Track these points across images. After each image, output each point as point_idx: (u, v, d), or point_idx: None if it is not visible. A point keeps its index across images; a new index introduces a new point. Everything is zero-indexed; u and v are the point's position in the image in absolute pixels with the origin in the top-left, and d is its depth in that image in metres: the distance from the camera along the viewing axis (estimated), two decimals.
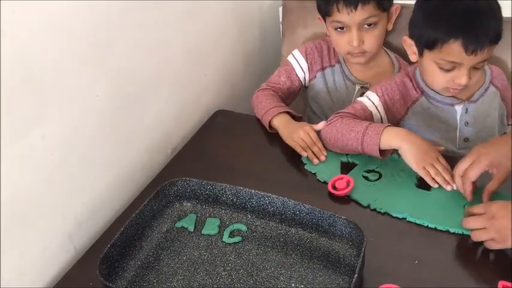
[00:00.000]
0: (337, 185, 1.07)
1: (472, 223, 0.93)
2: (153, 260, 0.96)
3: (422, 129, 1.19)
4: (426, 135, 1.19)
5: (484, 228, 0.91)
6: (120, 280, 0.91)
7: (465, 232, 0.96)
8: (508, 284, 0.85)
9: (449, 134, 1.20)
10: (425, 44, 1.07)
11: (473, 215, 0.94)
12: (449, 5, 1.05)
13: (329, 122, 1.16)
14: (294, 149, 1.19)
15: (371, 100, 1.19)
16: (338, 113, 1.17)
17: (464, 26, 1.02)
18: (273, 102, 1.28)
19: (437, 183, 1.03)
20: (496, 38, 1.03)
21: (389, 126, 1.08)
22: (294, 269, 0.92)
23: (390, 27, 1.29)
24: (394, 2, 1.31)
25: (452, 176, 1.02)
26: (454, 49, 1.02)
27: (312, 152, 1.16)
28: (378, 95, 1.19)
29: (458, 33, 1.01)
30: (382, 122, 1.20)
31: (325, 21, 1.28)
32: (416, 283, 0.88)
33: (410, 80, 1.20)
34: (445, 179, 1.03)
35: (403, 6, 1.32)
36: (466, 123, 1.19)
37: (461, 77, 1.06)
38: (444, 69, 1.07)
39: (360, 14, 1.19)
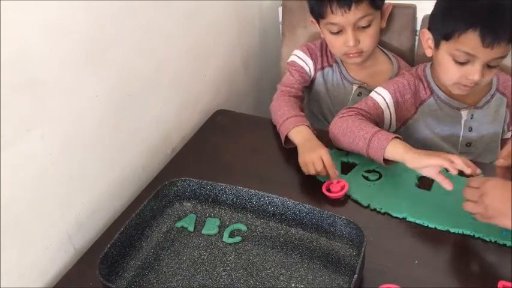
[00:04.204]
0: (331, 187, 1.07)
1: (467, 193, 0.93)
2: (153, 260, 0.96)
3: (428, 130, 1.20)
4: (430, 137, 1.19)
5: (476, 201, 0.91)
6: (120, 280, 0.91)
7: (465, 232, 0.96)
8: (508, 284, 0.85)
9: (452, 137, 1.20)
10: (444, 34, 1.07)
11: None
12: None
13: (341, 115, 1.14)
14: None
15: (382, 96, 1.18)
16: (350, 107, 1.16)
17: (485, 17, 1.01)
18: (293, 110, 1.24)
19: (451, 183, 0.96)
20: None
21: (399, 137, 1.05)
22: (294, 269, 0.92)
23: (384, 24, 1.29)
24: (392, 1, 1.31)
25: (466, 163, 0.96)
26: (471, 39, 1.02)
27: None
28: (389, 92, 1.18)
29: (478, 24, 1.00)
30: (391, 121, 1.20)
31: (318, 23, 1.28)
32: (416, 283, 0.88)
33: (421, 81, 1.20)
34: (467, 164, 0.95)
35: (397, 6, 1.32)
36: (470, 129, 1.19)
37: (474, 73, 1.05)
38: (458, 62, 1.06)
39: (354, 13, 1.19)
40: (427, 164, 0.98)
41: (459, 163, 0.95)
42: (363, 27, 1.22)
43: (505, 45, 1.02)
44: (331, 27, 1.24)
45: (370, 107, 1.17)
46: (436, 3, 1.13)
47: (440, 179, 0.98)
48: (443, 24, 1.07)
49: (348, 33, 1.22)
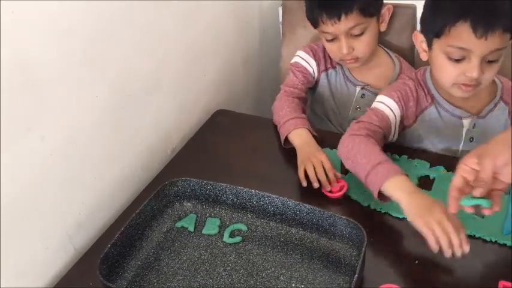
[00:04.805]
0: (331, 187, 1.07)
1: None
2: (153, 260, 0.96)
3: (427, 140, 1.16)
4: (429, 146, 1.16)
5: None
6: (120, 280, 0.91)
7: (465, 232, 0.96)
8: (508, 284, 0.85)
9: (452, 147, 1.15)
10: (434, 32, 1.02)
11: None
12: None
13: (351, 133, 1.07)
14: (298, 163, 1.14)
15: (389, 107, 1.12)
16: (361, 122, 1.09)
17: (473, 6, 0.95)
18: (294, 112, 1.23)
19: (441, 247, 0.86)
20: (509, 26, 0.95)
21: (404, 174, 0.97)
22: (294, 269, 0.92)
23: (384, 27, 1.28)
24: (392, 1, 1.31)
25: (462, 240, 0.86)
26: (463, 31, 0.96)
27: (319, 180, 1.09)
28: (395, 101, 1.12)
29: (467, 14, 0.95)
30: (395, 130, 1.14)
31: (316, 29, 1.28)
32: (416, 283, 0.88)
33: (422, 87, 1.15)
34: (450, 243, 0.85)
35: (397, 6, 1.31)
36: (471, 139, 1.13)
37: (472, 69, 0.98)
38: (453, 60, 1.00)
39: (345, 23, 1.18)
40: (416, 226, 0.89)
41: (444, 243, 0.85)
42: (356, 35, 1.21)
43: (500, 33, 0.95)
44: (325, 35, 1.24)
45: (380, 120, 1.11)
46: (424, 3, 1.08)
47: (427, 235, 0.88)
48: (432, 21, 1.02)
49: (341, 41, 1.21)
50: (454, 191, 0.84)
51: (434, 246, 0.86)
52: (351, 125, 1.11)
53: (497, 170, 0.81)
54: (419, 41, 1.10)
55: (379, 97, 1.15)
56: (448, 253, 0.85)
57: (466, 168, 0.83)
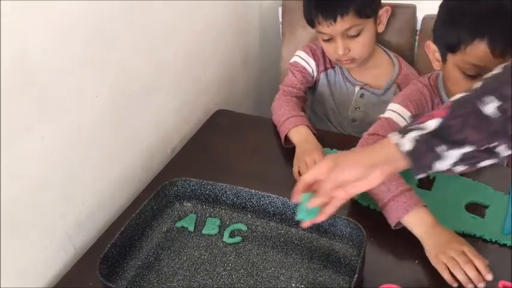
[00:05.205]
0: None
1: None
2: (153, 260, 0.96)
3: None
4: None
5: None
6: (120, 280, 0.91)
7: (465, 232, 0.96)
8: (508, 284, 0.85)
9: None
10: (448, 47, 0.98)
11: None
12: (474, 3, 0.95)
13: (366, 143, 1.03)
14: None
15: (405, 119, 1.06)
16: (378, 135, 1.04)
17: (491, 24, 0.91)
18: (293, 110, 1.23)
19: (457, 281, 0.85)
20: None
21: (423, 206, 0.94)
22: (294, 269, 0.92)
23: (381, 29, 1.27)
24: (392, 1, 1.30)
25: (480, 273, 0.84)
26: (480, 50, 0.92)
27: None
28: (412, 113, 1.07)
29: (485, 32, 0.91)
30: None
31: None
32: (416, 283, 0.88)
33: (435, 94, 1.10)
34: (466, 277, 0.84)
35: (397, 6, 1.31)
36: None
37: None
38: (469, 76, 0.96)
39: (341, 25, 1.18)
40: (436, 268, 0.88)
41: (460, 277, 0.84)
42: (353, 36, 1.21)
43: None
44: (321, 36, 1.24)
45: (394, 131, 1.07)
46: (437, 14, 1.04)
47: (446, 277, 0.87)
48: (447, 36, 0.98)
49: (337, 42, 1.22)
50: (301, 185, 0.80)
51: (451, 282, 0.85)
52: (365, 136, 1.06)
53: (343, 184, 0.78)
54: (432, 51, 1.06)
55: (394, 106, 1.10)
56: (469, 286, 0.84)
57: (319, 170, 0.79)
